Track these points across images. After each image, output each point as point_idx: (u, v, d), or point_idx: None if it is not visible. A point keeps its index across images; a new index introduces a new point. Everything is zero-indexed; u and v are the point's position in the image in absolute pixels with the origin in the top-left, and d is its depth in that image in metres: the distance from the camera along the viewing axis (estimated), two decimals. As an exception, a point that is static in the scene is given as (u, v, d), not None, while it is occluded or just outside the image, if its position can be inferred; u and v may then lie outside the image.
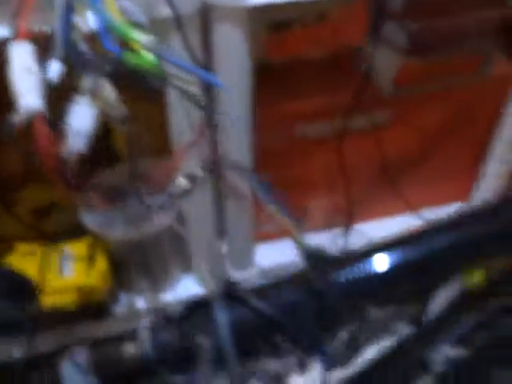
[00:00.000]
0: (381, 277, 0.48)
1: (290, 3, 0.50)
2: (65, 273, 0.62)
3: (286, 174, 0.68)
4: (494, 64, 0.68)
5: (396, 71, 0.63)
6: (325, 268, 0.48)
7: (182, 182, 0.55)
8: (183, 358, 0.45)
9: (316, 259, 0.49)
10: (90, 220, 0.61)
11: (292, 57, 0.62)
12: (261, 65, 0.58)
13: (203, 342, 0.44)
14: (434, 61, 0.65)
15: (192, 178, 0.56)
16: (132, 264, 0.68)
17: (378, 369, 0.52)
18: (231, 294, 0.46)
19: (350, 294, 0.48)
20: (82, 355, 0.44)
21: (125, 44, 0.37)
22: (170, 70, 0.40)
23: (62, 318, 0.59)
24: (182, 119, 0.53)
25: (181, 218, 0.65)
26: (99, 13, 0.36)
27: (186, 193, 0.56)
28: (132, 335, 0.46)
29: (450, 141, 0.74)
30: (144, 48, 0.37)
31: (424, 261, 0.48)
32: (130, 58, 0.37)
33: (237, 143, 0.59)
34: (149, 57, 0.37)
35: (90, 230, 0.61)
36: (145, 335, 0.45)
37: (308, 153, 0.68)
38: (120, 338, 0.46)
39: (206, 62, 0.52)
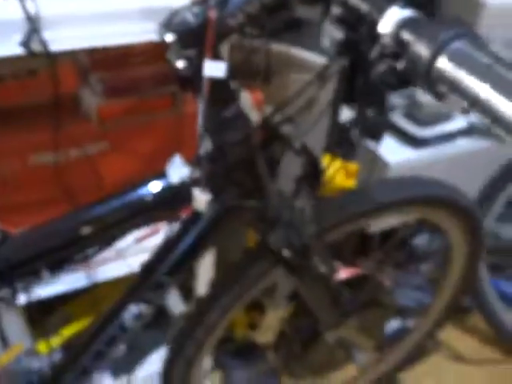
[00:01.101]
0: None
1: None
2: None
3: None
4: (184, 103, 0.91)
5: (98, 110, 0.82)
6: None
7: None
8: None
9: None
10: None
11: (8, 104, 0.78)
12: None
13: None
14: (131, 101, 0.85)
15: None
16: None
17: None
18: None
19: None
20: None
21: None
22: None
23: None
24: None
25: None
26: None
27: None
28: None
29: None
30: None
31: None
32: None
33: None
34: None
35: None
36: None
37: (35, 179, 0.84)
38: None
39: None
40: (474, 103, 0.33)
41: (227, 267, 0.94)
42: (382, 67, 0.44)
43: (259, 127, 0.72)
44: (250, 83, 0.83)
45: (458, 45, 0.35)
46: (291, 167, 0.83)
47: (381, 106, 0.79)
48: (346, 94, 1.30)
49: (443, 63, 0.35)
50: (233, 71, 0.71)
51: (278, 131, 0.82)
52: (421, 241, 1.75)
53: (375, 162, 1.37)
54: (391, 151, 1.38)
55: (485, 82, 0.33)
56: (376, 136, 1.41)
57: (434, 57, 0.36)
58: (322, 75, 0.70)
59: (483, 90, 0.33)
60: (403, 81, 0.43)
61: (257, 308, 1.42)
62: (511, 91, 0.32)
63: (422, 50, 0.36)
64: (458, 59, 0.35)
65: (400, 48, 0.39)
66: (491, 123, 0.33)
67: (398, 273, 1.65)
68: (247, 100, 0.91)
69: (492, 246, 1.56)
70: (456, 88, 0.34)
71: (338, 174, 0.98)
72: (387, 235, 1.67)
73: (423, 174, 1.01)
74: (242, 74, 0.67)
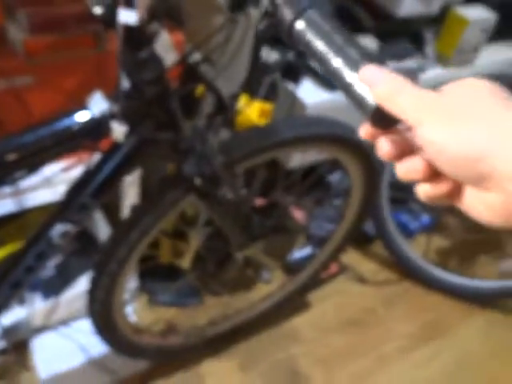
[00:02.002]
0: None
1: None
2: None
3: None
4: (107, 41, 0.97)
5: (24, 44, 0.87)
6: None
7: None
8: None
9: None
10: None
11: None
12: None
13: None
14: (57, 37, 0.90)
15: None
16: None
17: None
18: None
19: None
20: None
21: None
22: None
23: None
24: None
25: None
26: None
27: None
28: None
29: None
30: None
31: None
32: None
33: None
34: None
35: None
36: None
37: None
38: None
39: None
40: (321, 62, 0.44)
41: (145, 193, 1.04)
42: (263, 23, 0.54)
43: (175, 67, 0.80)
44: (169, 24, 0.90)
45: (311, 13, 0.45)
46: (205, 103, 0.92)
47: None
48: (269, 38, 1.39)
49: (300, 26, 0.45)
50: (150, 13, 0.78)
51: (196, 70, 0.91)
52: (335, 178, 1.91)
53: (294, 102, 1.48)
54: (309, 93, 1.49)
55: (326, 45, 0.43)
56: (295, 78, 1.52)
57: (294, 20, 0.46)
58: (232, 19, 0.78)
59: (324, 51, 0.43)
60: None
61: (180, 237, 1.54)
62: (345, 56, 0.42)
63: (287, 13, 0.46)
64: (311, 24, 0.45)
65: (274, 9, 0.49)
66: (334, 80, 0.44)
67: (314, 206, 1.81)
68: (166, 40, 0.98)
69: (394, 181, 1.74)
70: (309, 48, 0.45)
71: (253, 112, 1.07)
72: (307, 173, 1.82)
73: (338, 115, 1.12)
74: (158, 15, 0.74)
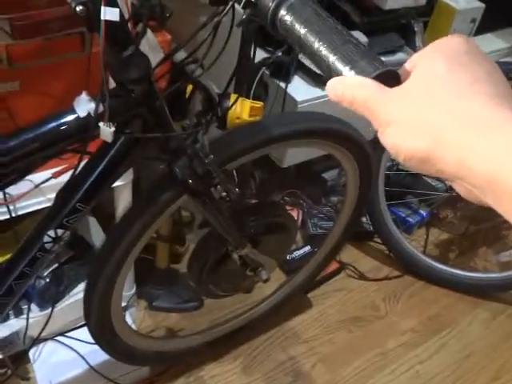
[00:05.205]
0: None
1: None
2: None
3: None
4: (92, 43, 0.95)
5: (7, 51, 0.86)
6: None
7: None
8: None
9: None
10: None
11: None
12: None
13: None
14: (40, 42, 0.89)
15: None
16: None
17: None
18: None
19: None
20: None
21: None
22: None
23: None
24: None
25: None
26: None
27: None
28: None
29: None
30: None
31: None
32: None
33: None
34: None
35: None
36: None
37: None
38: None
39: None
40: (300, 47, 0.43)
41: (138, 196, 1.03)
42: (246, 13, 0.53)
43: (161, 66, 0.79)
44: (154, 25, 0.89)
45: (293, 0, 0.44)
46: (195, 102, 0.91)
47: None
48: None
49: (282, 13, 0.45)
50: (134, 13, 0.77)
51: (183, 69, 0.90)
52: (331, 176, 1.90)
53: (285, 99, 1.48)
54: (299, 90, 1.49)
55: (309, 32, 0.42)
56: (285, 75, 1.51)
57: (276, 8, 0.45)
58: (214, 18, 0.77)
59: (304, 35, 0.42)
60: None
61: (177, 240, 1.53)
62: (324, 38, 0.41)
63: (268, 1, 0.45)
64: (293, 11, 0.44)
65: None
66: (313, 63, 0.43)
67: (310, 204, 1.80)
68: (151, 40, 0.97)
69: (391, 177, 1.74)
70: (292, 36, 0.44)
71: (244, 110, 1.06)
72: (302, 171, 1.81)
73: (329, 111, 1.11)
74: (141, 14, 0.73)
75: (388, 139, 0.35)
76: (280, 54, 1.50)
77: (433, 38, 1.28)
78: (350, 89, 0.37)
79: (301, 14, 0.43)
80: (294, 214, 1.75)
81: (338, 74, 0.39)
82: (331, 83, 0.38)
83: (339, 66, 0.39)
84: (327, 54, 0.40)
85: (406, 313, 1.60)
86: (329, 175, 1.92)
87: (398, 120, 0.34)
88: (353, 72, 0.38)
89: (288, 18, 0.44)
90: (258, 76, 1.50)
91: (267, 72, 1.50)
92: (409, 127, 0.33)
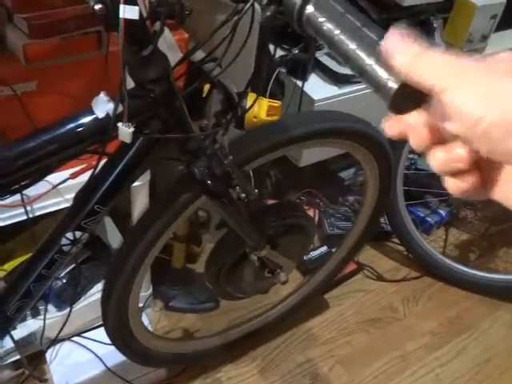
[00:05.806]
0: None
1: None
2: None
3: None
4: (110, 42, 0.95)
5: (24, 50, 0.85)
6: None
7: None
8: None
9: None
10: None
11: None
12: None
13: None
14: (57, 41, 0.88)
15: None
16: None
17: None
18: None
19: None
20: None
21: None
22: None
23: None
24: None
25: None
26: None
27: None
28: None
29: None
30: None
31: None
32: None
33: None
34: None
35: None
36: None
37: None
38: None
39: None
40: (334, 47, 0.41)
41: (156, 197, 1.01)
42: (268, 11, 0.51)
43: (179, 65, 0.77)
44: (172, 23, 0.88)
45: None
46: (213, 102, 0.89)
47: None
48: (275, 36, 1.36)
49: (310, 10, 0.43)
50: (152, 12, 0.75)
51: (201, 68, 0.88)
52: (347, 175, 1.88)
53: (302, 98, 1.46)
54: (316, 88, 1.47)
55: (339, 28, 0.40)
56: (302, 74, 1.49)
57: (303, 4, 0.43)
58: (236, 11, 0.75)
59: (338, 35, 0.40)
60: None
61: (194, 241, 1.52)
62: (356, 35, 0.39)
63: None
64: (321, 7, 0.42)
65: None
66: (345, 63, 0.41)
67: (327, 204, 1.78)
68: (168, 39, 0.96)
69: (410, 176, 1.71)
70: (320, 33, 0.42)
71: (262, 110, 1.05)
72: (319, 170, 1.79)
73: (346, 110, 1.09)
74: (159, 13, 0.71)
75: (466, 99, 0.29)
76: (297, 51, 1.49)
77: (452, 34, 1.24)
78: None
79: (330, 10, 0.41)
80: (311, 213, 1.73)
81: (374, 74, 0.37)
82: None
83: (377, 68, 0.37)
84: (360, 54, 0.38)
85: (425, 315, 1.57)
86: (346, 174, 1.90)
87: (485, 76, 0.29)
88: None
89: (317, 16, 0.42)
90: (275, 74, 1.48)
91: (283, 70, 1.48)
92: (501, 83, 0.29)
